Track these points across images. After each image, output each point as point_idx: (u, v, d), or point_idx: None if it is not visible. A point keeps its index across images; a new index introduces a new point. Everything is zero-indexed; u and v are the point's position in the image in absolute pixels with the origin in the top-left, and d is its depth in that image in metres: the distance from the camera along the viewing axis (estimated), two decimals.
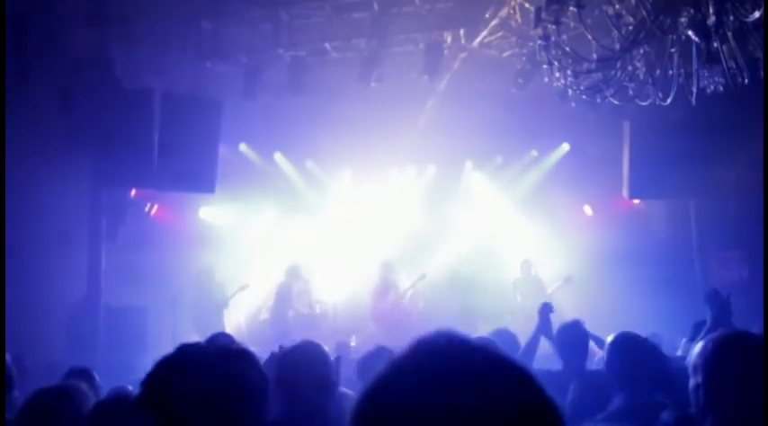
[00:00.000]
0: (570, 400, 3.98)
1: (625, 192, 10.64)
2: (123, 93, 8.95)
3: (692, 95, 6.09)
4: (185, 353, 1.71)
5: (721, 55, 5.59)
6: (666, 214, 11.70)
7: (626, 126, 10.32)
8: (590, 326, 5.24)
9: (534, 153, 12.95)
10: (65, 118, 8.42)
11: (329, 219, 13.06)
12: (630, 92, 6.39)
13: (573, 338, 4.61)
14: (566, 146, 12.67)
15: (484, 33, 8.92)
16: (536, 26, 5.61)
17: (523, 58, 9.36)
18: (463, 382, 0.77)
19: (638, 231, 11.67)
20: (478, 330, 10.77)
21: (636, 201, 11.45)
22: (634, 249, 11.37)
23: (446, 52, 9.18)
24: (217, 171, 9.45)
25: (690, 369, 2.38)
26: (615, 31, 5.59)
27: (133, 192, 10.28)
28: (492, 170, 13.22)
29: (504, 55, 9.57)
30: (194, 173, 9.24)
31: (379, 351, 4.27)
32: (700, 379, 2.32)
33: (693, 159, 9.88)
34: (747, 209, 10.28)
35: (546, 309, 4.96)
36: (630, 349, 3.44)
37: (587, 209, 12.73)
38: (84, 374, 4.36)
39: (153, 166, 8.94)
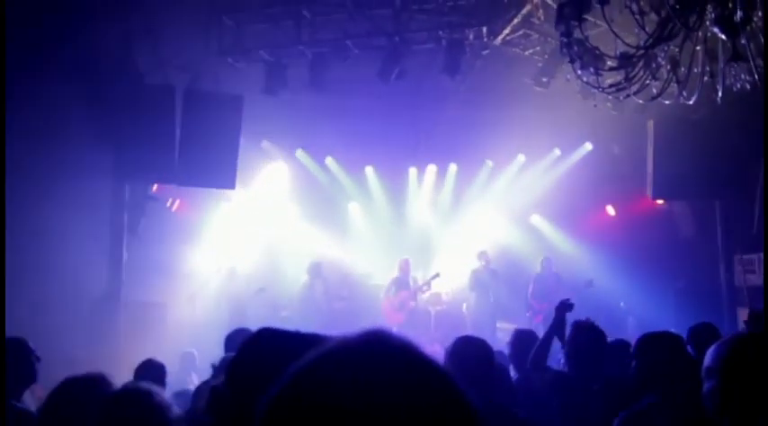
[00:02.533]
0: (596, 406, 3.87)
1: (649, 192, 10.49)
2: (146, 88, 9.04)
3: (716, 94, 5.99)
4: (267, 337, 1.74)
5: (748, 52, 5.48)
6: (691, 215, 11.52)
7: (650, 125, 10.18)
8: (612, 328, 5.11)
9: (557, 152, 12.84)
10: (88, 113, 8.50)
11: (349, 216, 13.08)
12: (654, 90, 6.30)
13: (587, 342, 4.43)
14: (588, 146, 12.54)
15: (506, 31, 8.83)
16: (558, 23, 5.53)
17: (546, 56, 9.26)
18: (371, 383, 0.76)
19: (662, 232, 11.52)
20: (496, 328, 10.79)
21: (660, 202, 11.28)
22: (657, 250, 11.23)
23: (468, 50, 9.10)
24: (237, 166, 9.50)
25: (703, 373, 2.32)
26: (639, 29, 5.51)
27: (155, 188, 10.36)
28: (514, 169, 13.13)
29: (527, 53, 9.48)
30: (215, 168, 9.30)
31: None
32: (715, 383, 2.26)
33: (719, 159, 9.72)
34: None
35: (562, 309, 4.77)
36: (659, 348, 3.31)
37: (610, 210, 12.59)
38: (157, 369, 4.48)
39: (174, 161, 9.02)
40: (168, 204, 11.33)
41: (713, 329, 4.68)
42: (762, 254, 10.54)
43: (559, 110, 10.62)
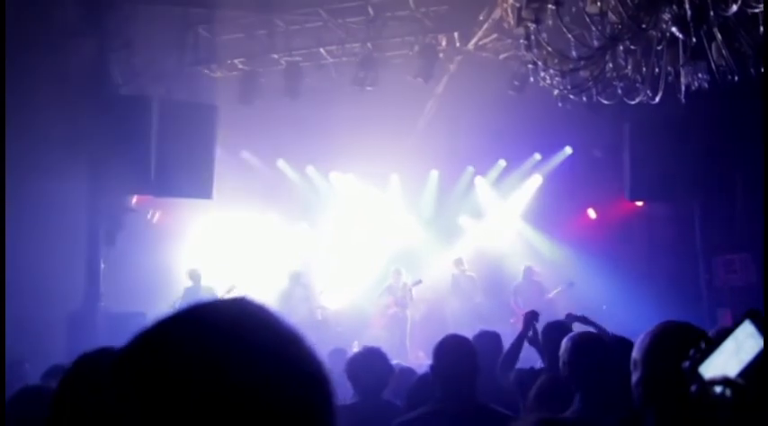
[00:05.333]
0: (533, 393, 3.91)
1: (626, 194, 10.53)
2: (121, 100, 9.04)
3: (680, 93, 6.03)
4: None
5: (708, 52, 5.53)
6: (671, 216, 11.56)
7: (626, 127, 10.23)
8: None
9: (537, 156, 12.89)
10: (63, 124, 8.50)
11: (331, 225, 13.07)
12: (619, 91, 6.34)
13: (558, 339, 4.54)
14: (568, 150, 12.59)
15: (478, 35, 8.89)
16: (518, 25, 5.58)
17: (520, 61, 9.31)
18: (223, 342, 0.76)
19: (643, 234, 11.56)
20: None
21: (639, 203, 11.32)
22: (638, 252, 11.27)
23: (441, 55, 9.17)
24: (214, 176, 9.49)
25: (631, 365, 2.33)
26: (600, 29, 5.55)
27: (135, 200, 10.34)
28: (495, 174, 13.17)
29: (501, 57, 9.54)
30: (192, 178, 9.29)
31: (369, 352, 4.23)
32: (639, 374, 2.27)
33: (696, 159, 9.76)
34: (754, 210, 10.11)
35: (531, 317, 4.89)
36: (585, 350, 3.32)
37: (591, 213, 12.62)
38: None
39: (150, 172, 9.00)
40: (149, 216, 11.32)
41: None
42: (743, 254, 10.59)
43: (539, 115, 10.64)
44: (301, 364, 0.79)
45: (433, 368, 3.37)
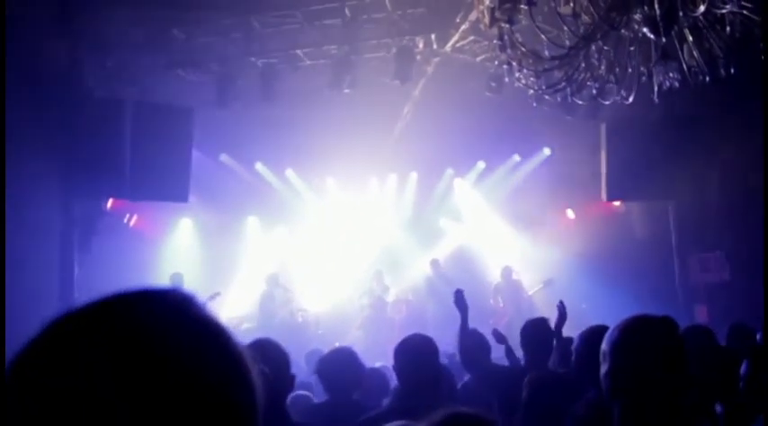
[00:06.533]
0: (525, 398, 3.92)
1: (603, 194, 10.62)
2: (95, 102, 8.93)
3: (653, 93, 6.09)
4: None
5: (679, 52, 5.60)
6: (647, 216, 11.68)
7: (602, 128, 10.31)
8: (569, 329, 5.14)
9: (516, 157, 12.96)
10: (35, 128, 8.37)
11: (311, 229, 13.04)
12: (594, 91, 6.39)
13: (538, 335, 4.57)
14: (547, 151, 12.67)
15: (455, 38, 8.92)
16: (491, 26, 5.60)
17: (496, 62, 9.34)
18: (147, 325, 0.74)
19: (619, 233, 11.65)
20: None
21: (616, 203, 11.42)
22: (615, 251, 11.36)
23: (418, 57, 9.18)
24: (189, 179, 9.41)
25: (600, 357, 2.34)
26: (572, 29, 5.59)
27: (110, 203, 10.22)
28: (474, 176, 13.22)
29: (478, 59, 9.57)
30: (167, 181, 9.19)
31: (340, 351, 4.22)
32: (607, 366, 2.28)
33: (671, 160, 9.86)
34: (727, 210, 10.24)
35: (460, 295, 4.82)
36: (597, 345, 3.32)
37: (569, 213, 12.71)
38: None
39: (125, 176, 8.90)
40: (125, 220, 11.20)
41: None
42: (718, 253, 10.71)
43: (517, 116, 10.69)
44: (222, 356, 0.76)
45: (394, 367, 3.38)
